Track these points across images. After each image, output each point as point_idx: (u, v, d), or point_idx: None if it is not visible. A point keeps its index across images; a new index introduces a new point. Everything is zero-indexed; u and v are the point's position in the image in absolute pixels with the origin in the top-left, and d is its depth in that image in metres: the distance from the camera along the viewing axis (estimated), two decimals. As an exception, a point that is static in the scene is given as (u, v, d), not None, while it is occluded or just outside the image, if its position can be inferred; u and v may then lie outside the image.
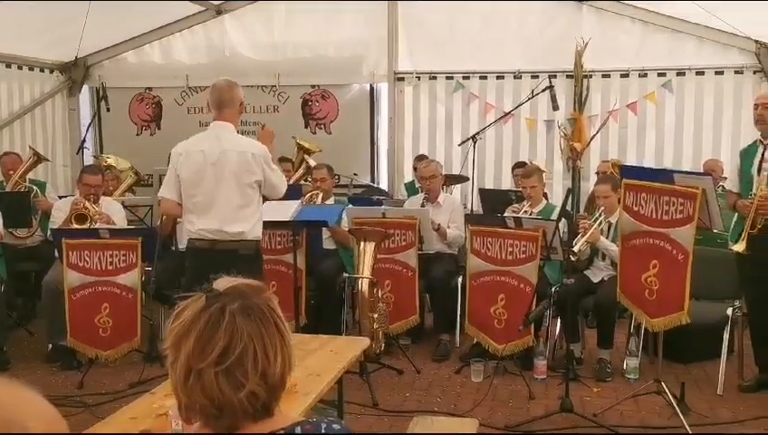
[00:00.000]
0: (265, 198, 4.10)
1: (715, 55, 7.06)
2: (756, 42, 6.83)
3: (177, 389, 1.29)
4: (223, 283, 1.34)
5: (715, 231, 4.46)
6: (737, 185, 4.57)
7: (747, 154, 4.53)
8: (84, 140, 7.55)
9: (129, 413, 2.46)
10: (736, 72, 7.02)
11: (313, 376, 2.80)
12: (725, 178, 5.54)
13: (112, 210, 5.43)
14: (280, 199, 4.29)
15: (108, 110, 7.58)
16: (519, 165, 6.93)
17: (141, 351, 5.12)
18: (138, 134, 8.45)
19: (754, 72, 6.97)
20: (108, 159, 7.01)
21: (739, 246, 4.31)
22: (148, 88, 8.41)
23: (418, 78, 7.75)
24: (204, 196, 3.88)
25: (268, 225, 5.09)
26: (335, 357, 3.10)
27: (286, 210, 4.91)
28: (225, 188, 3.86)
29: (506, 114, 7.19)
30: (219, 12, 7.99)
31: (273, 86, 8.08)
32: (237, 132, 4.00)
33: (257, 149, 3.94)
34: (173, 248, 5.53)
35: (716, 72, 7.07)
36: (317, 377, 2.79)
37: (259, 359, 1.27)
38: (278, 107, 8.14)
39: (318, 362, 3.01)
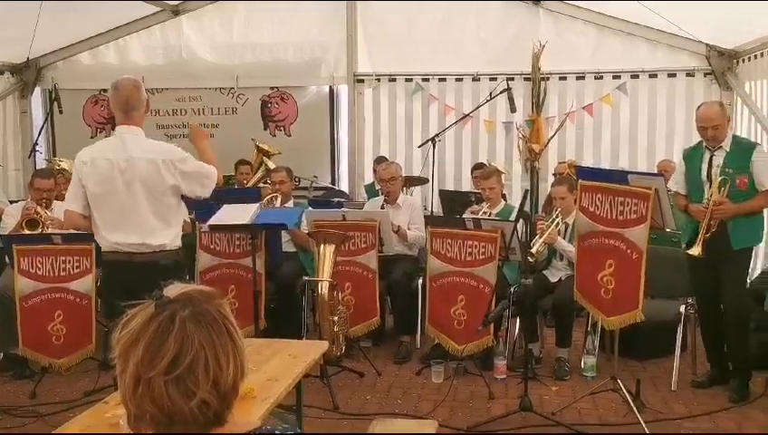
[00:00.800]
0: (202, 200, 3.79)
1: (668, 58, 7.22)
2: (707, 45, 7.01)
3: (126, 399, 1.27)
4: (173, 289, 1.32)
5: (668, 230, 4.53)
6: (683, 186, 4.61)
7: (692, 156, 4.55)
8: (36, 143, 7.37)
9: (82, 423, 2.41)
10: (688, 75, 7.21)
11: (272, 381, 2.77)
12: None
13: (65, 215, 5.33)
14: (237, 202, 4.17)
15: (61, 112, 7.40)
16: (478, 166, 6.97)
17: (96, 358, 5.01)
18: (92, 137, 8.25)
19: (705, 75, 7.15)
20: (61, 163, 6.85)
21: (695, 250, 4.35)
22: (103, 90, 8.23)
23: (378, 80, 7.76)
24: (115, 208, 3.54)
25: (226, 228, 5.07)
26: (293, 361, 3.07)
27: (245, 213, 4.86)
28: (137, 198, 3.52)
29: (465, 116, 7.24)
30: (176, 12, 7.88)
31: (231, 88, 8.01)
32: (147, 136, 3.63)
33: (168, 153, 3.56)
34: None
35: (669, 75, 7.24)
36: (275, 382, 2.77)
37: (210, 366, 1.24)
38: (237, 109, 8.08)
39: (276, 366, 2.98)
